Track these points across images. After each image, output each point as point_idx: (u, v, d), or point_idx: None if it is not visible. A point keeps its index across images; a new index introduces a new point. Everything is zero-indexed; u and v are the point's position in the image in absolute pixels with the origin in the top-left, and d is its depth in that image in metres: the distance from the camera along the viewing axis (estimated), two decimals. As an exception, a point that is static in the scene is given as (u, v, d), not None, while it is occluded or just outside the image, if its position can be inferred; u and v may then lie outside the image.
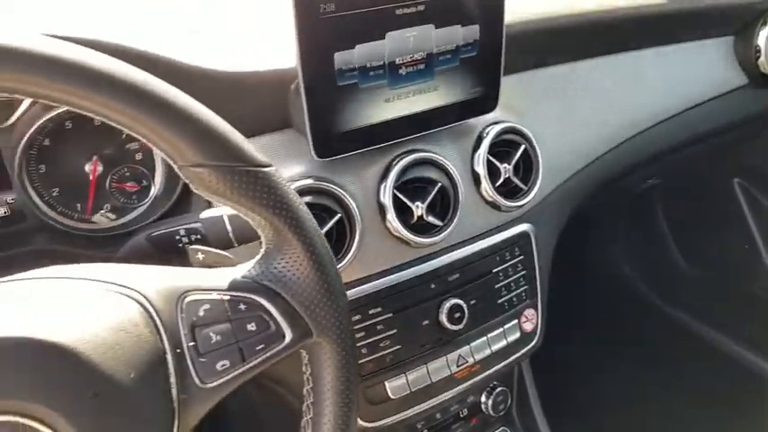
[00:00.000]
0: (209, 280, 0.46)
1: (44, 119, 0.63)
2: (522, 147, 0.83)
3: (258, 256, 0.48)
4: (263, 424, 1.10)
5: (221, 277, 0.47)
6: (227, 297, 0.46)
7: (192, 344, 0.44)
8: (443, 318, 0.77)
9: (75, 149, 0.69)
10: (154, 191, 0.74)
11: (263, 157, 0.45)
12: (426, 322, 0.77)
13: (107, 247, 0.66)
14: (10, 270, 0.46)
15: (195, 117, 0.41)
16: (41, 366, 0.39)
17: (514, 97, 0.84)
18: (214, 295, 0.46)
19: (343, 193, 0.70)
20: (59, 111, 0.63)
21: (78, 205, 0.71)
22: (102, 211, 0.71)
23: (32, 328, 0.39)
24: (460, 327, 0.78)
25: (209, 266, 0.53)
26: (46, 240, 0.67)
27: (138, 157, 0.73)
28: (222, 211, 0.59)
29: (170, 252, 0.58)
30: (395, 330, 0.75)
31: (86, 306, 0.42)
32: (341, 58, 0.64)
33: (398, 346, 0.76)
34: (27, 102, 0.64)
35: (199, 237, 0.58)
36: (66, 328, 0.40)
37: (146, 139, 0.41)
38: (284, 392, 0.81)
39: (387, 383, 0.77)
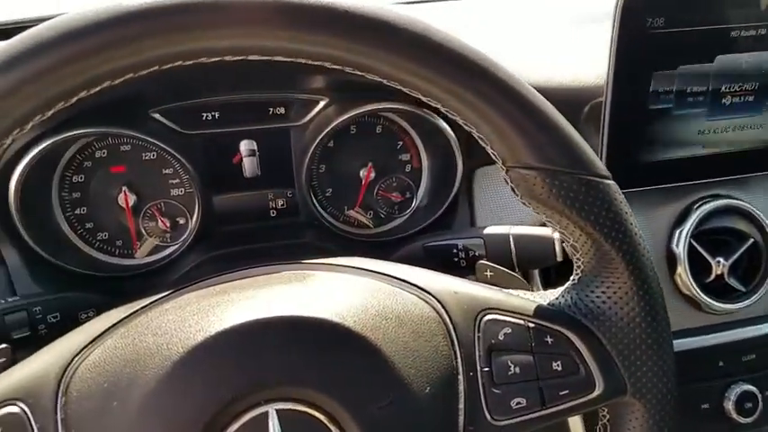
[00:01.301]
0: (511, 301, 0.41)
1: (337, 121, 0.64)
2: None
3: (569, 282, 0.41)
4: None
5: (525, 300, 0.41)
6: (532, 324, 0.39)
7: (486, 369, 0.39)
8: (729, 405, 0.63)
9: (354, 154, 0.70)
10: (415, 203, 0.72)
11: (604, 167, 0.38)
12: (706, 406, 0.64)
13: (374, 251, 0.65)
14: (284, 260, 0.45)
15: (541, 116, 0.36)
16: (344, 358, 0.36)
17: None
18: (517, 319, 0.40)
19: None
20: (351, 114, 0.64)
21: (345, 207, 0.72)
22: (360, 211, 0.71)
23: (336, 314, 0.37)
24: (749, 420, 0.63)
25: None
26: (315, 237, 0.69)
27: (408, 168, 0.72)
28: (507, 229, 0.53)
29: (443, 264, 0.55)
30: (665, 407, 0.63)
31: (387, 303, 0.39)
32: (659, 79, 0.56)
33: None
34: (322, 103, 0.66)
35: (476, 254, 0.54)
36: (369, 321, 0.37)
37: (479, 132, 0.37)
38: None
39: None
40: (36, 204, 0.60)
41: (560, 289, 0.42)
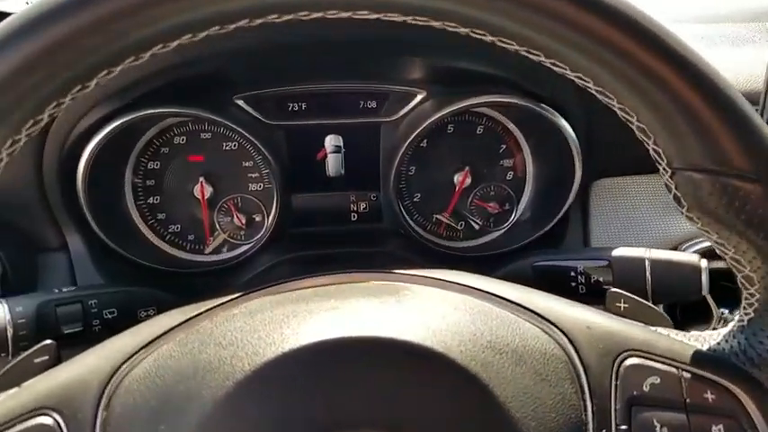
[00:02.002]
0: (659, 342, 0.32)
1: (434, 117, 0.57)
2: None
3: (736, 323, 0.32)
4: None
5: (678, 342, 0.32)
6: (687, 374, 0.31)
7: (624, 428, 0.30)
8: None
9: (449, 156, 0.63)
10: (513, 217, 0.64)
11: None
12: None
13: (469, 268, 0.57)
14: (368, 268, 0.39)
15: (729, 106, 0.27)
16: (447, 398, 0.29)
17: None
18: (667, 366, 0.31)
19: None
20: (451, 109, 0.57)
21: (434, 216, 0.64)
22: (451, 218, 0.64)
23: (438, 341, 0.30)
24: None
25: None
26: (399, 246, 0.62)
27: (509, 176, 0.64)
28: (643, 252, 0.44)
29: (557, 290, 0.46)
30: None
31: (501, 333, 0.32)
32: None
33: None
34: (419, 96, 0.60)
35: (600, 279, 0.45)
36: (480, 354, 0.30)
37: (640, 121, 0.28)
38: None
39: None
40: (106, 189, 0.57)
41: (723, 331, 0.33)
